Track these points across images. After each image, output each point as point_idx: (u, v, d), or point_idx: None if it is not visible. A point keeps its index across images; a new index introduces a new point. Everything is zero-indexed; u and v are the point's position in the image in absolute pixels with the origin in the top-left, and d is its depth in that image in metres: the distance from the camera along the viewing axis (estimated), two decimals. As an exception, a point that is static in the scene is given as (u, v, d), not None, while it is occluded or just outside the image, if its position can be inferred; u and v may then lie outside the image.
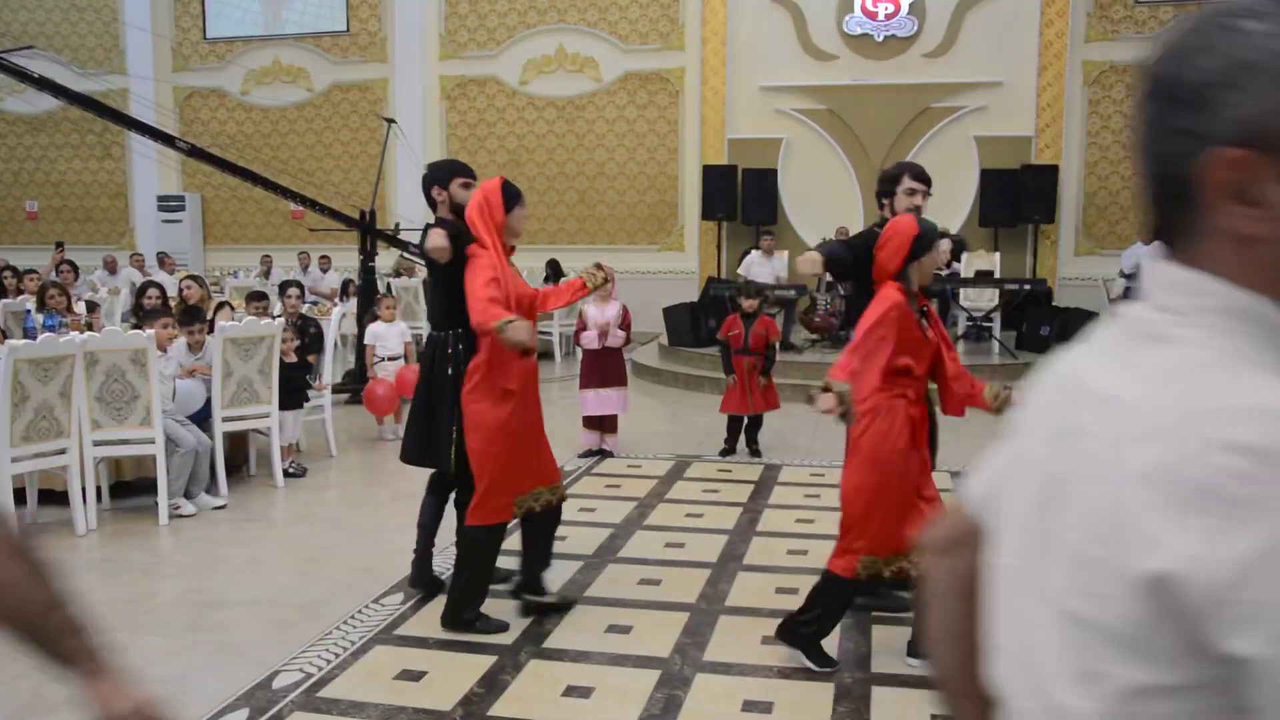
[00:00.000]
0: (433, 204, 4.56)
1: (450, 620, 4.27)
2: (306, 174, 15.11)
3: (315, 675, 3.86)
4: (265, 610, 4.56)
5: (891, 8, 14.28)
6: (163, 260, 14.29)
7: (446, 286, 4.32)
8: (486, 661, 3.98)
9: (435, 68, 15.91)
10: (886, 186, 4.65)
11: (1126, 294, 7.69)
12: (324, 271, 14.97)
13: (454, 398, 4.25)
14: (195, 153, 9.27)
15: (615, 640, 4.22)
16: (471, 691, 3.72)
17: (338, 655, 4.04)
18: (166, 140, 9.41)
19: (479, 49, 15.77)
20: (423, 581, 4.75)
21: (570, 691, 3.75)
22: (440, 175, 4.55)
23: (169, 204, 16.95)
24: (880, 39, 14.34)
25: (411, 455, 4.67)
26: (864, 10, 14.32)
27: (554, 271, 13.03)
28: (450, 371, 4.33)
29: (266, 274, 14.87)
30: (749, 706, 3.64)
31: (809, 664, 3.87)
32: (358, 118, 16.31)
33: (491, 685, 3.78)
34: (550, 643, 4.19)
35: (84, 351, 5.58)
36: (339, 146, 16.40)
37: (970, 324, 11.97)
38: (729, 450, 7.74)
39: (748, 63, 14.71)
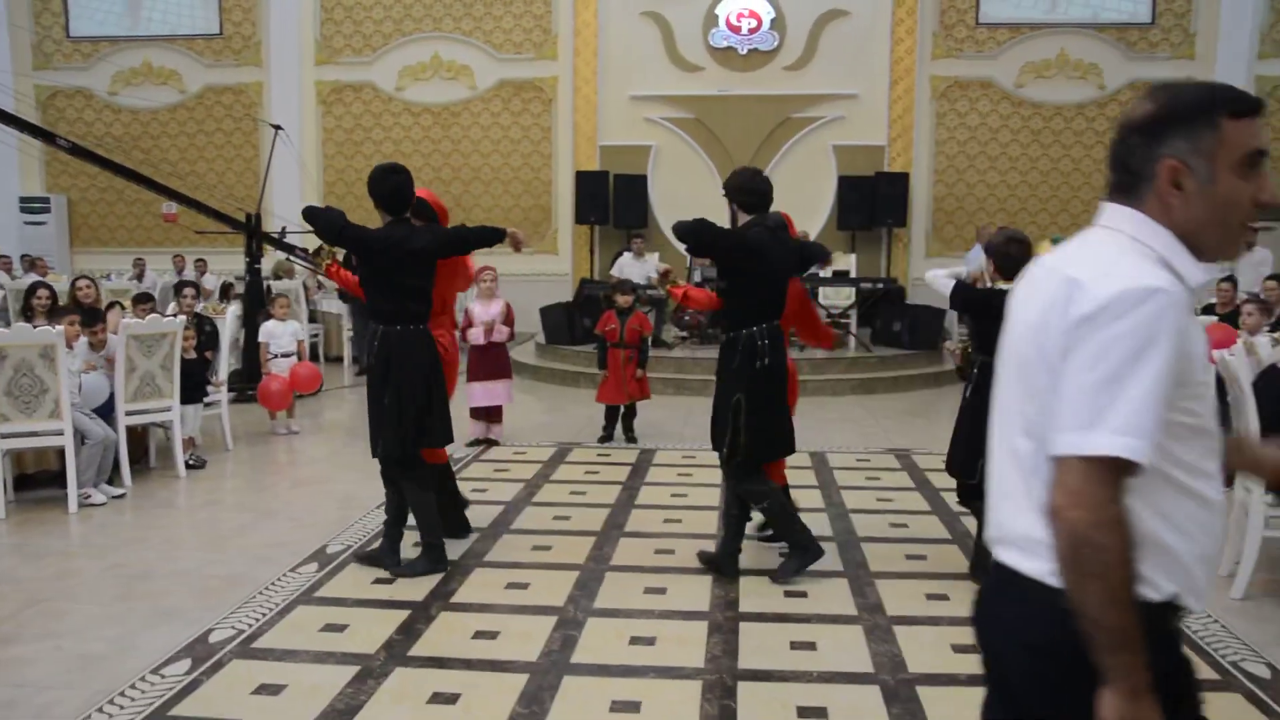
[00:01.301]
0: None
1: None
2: (179, 176, 15.04)
3: (247, 631, 4.29)
4: (190, 580, 4.95)
5: (754, 23, 15.11)
6: (34, 263, 14.13)
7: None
8: (401, 615, 4.48)
9: (311, 73, 16.08)
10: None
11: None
12: (200, 275, 14.98)
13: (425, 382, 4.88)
14: (77, 151, 9.34)
15: (515, 594, 4.77)
16: (391, 638, 4.21)
17: (265, 614, 4.48)
18: (47, 138, 9.48)
19: (355, 55, 16.01)
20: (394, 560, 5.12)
21: (479, 635, 4.28)
22: None
23: (33, 205, 16.67)
24: (744, 52, 15.16)
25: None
26: (728, 25, 15.12)
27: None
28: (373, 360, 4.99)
29: (139, 277, 14.83)
30: (635, 641, 4.22)
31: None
32: (231, 121, 16.36)
33: (408, 632, 4.28)
34: (456, 599, 4.70)
35: (-6, 347, 5.83)
36: (213, 150, 16.40)
37: (828, 320, 12.81)
38: (607, 437, 8.33)
39: (618, 73, 15.36)
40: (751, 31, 15.13)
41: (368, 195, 5.12)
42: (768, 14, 15.05)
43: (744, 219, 4.99)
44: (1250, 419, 4.71)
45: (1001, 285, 4.62)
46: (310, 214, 5.02)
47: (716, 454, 5.05)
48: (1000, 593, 1.70)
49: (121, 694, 3.70)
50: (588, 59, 15.37)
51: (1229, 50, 14.58)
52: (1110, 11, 15.01)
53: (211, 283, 14.00)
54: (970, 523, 5.41)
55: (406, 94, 16.00)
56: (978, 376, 4.66)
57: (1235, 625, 4.42)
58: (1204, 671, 3.94)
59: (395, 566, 4.99)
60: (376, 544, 5.28)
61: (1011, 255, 4.64)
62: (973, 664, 3.83)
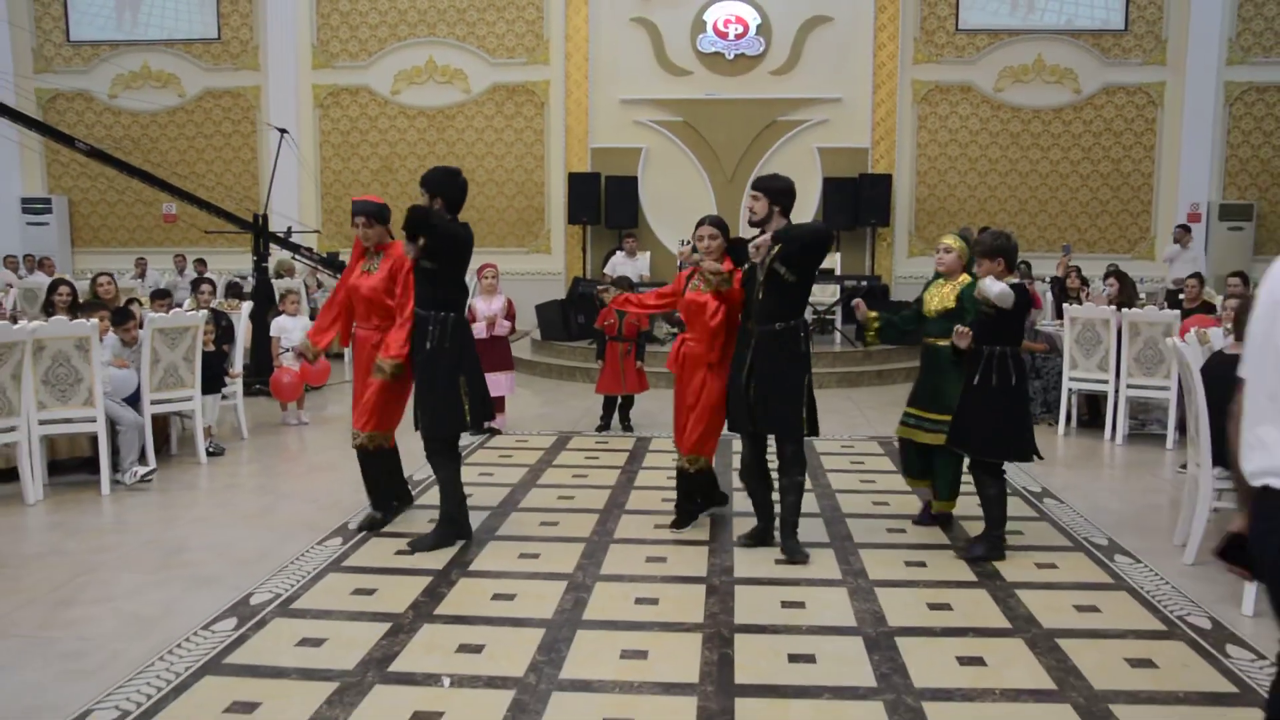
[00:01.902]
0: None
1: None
2: (179, 178, 15.40)
3: (284, 594, 4.69)
4: (224, 553, 5.34)
5: (741, 29, 15.56)
6: (41, 263, 14.46)
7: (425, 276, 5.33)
8: (424, 580, 4.88)
9: (308, 76, 16.45)
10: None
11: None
12: (199, 274, 15.32)
13: (450, 366, 5.24)
14: (95, 154, 9.71)
15: (527, 562, 5.18)
16: (417, 600, 4.62)
17: (299, 580, 4.88)
18: (66, 141, 9.84)
19: (351, 59, 16.39)
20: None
21: (497, 597, 4.69)
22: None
23: (34, 206, 16.98)
24: (731, 57, 15.60)
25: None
26: (715, 30, 15.57)
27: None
28: (446, 345, 5.25)
29: (142, 275, 15.18)
30: (640, 601, 4.64)
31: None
32: (230, 124, 16.72)
33: (432, 595, 4.69)
34: (474, 567, 5.11)
35: (33, 339, 6.21)
36: (211, 152, 16.74)
37: (814, 317, 13.29)
38: (604, 426, 8.74)
39: (609, 77, 15.78)
40: (738, 37, 15.58)
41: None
42: (754, 20, 15.50)
43: (780, 221, 5.32)
44: (1200, 402, 5.15)
45: (1011, 280, 5.14)
46: (422, 210, 5.15)
47: (785, 436, 5.33)
48: (1272, 513, 2.17)
49: (178, 646, 4.09)
50: (579, 63, 15.79)
51: (1199, 56, 15.11)
52: (1085, 18, 15.51)
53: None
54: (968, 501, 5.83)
55: (402, 97, 16.39)
56: (985, 365, 5.15)
57: (1184, 586, 4.87)
58: (1152, 624, 4.39)
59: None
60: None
61: (1011, 248, 5.23)
62: (946, 619, 4.33)
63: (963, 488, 5.70)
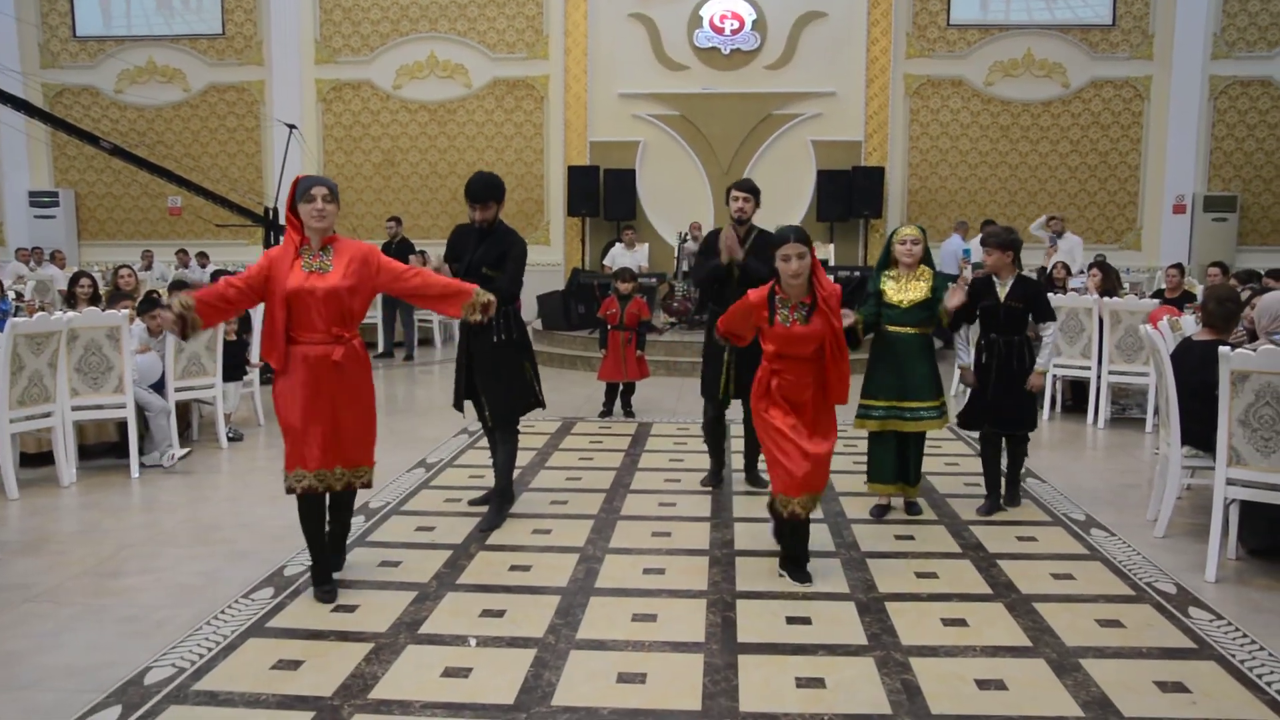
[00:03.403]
0: None
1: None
2: (185, 172, 15.74)
3: (316, 566, 5.03)
4: (256, 530, 5.68)
5: (736, 24, 15.90)
6: (53, 255, 14.75)
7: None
8: (445, 554, 5.22)
9: (311, 71, 16.75)
10: (727, 196, 6.32)
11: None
12: (202, 267, 15.64)
13: (517, 350, 5.75)
14: (118, 152, 10.03)
15: (540, 537, 5.53)
16: (439, 571, 4.96)
17: (328, 553, 5.21)
18: (91, 139, 10.14)
19: (353, 54, 16.68)
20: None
21: (514, 568, 5.03)
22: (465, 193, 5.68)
23: (42, 200, 17.27)
24: (727, 52, 15.94)
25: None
26: (712, 26, 15.90)
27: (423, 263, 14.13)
28: (503, 338, 5.66)
29: (148, 268, 15.49)
30: (648, 571, 4.99)
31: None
32: (235, 118, 17.01)
33: (453, 567, 5.03)
34: (491, 542, 5.45)
35: (68, 329, 6.53)
36: (216, 145, 17.04)
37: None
38: (607, 412, 9.09)
39: (607, 71, 16.11)
40: (734, 32, 15.91)
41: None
42: (749, 15, 15.84)
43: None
44: (1170, 386, 5.49)
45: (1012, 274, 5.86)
46: (507, 291, 5.50)
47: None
48: None
49: (222, 612, 4.43)
50: (578, 58, 16.11)
51: (1184, 51, 15.48)
52: (1073, 13, 15.85)
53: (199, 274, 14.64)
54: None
55: (404, 92, 16.69)
56: (1016, 351, 5.83)
57: (1154, 557, 5.22)
58: (1122, 589, 4.75)
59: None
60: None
61: (1019, 243, 5.92)
62: (932, 585, 4.70)
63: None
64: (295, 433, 4.44)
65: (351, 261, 4.49)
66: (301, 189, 4.44)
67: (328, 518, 4.72)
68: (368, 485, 4.73)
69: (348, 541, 5.07)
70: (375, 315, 13.20)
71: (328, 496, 4.64)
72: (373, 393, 4.70)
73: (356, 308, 4.53)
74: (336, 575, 4.82)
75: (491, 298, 4.63)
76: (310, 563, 4.73)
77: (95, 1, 17.16)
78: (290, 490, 4.50)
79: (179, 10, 17.09)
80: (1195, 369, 5.31)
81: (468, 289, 4.62)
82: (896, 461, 5.90)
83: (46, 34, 17.22)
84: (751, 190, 6.22)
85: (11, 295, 9.74)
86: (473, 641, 4.13)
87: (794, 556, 4.87)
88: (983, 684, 3.75)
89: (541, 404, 5.96)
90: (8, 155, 17.14)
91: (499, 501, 5.83)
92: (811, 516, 4.86)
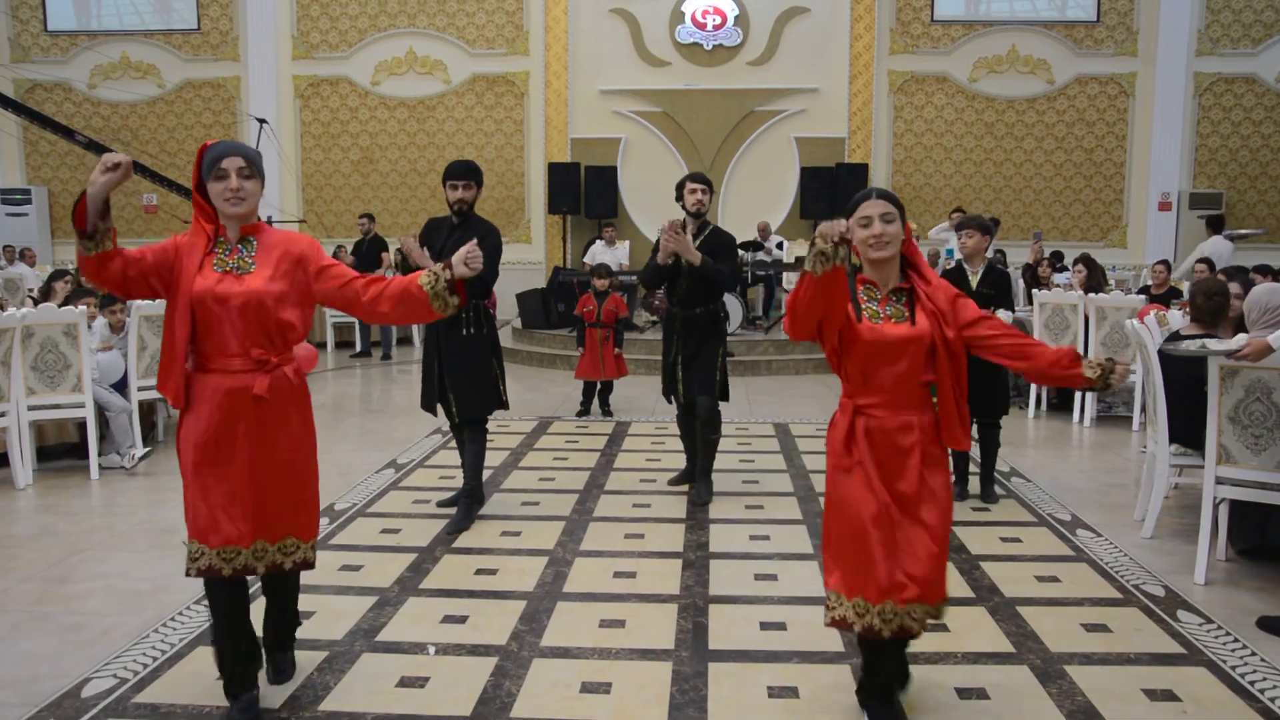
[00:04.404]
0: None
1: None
2: (160, 169, 15.51)
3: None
4: (214, 532, 5.47)
5: (719, 19, 15.72)
6: (22, 254, 14.49)
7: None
8: (409, 557, 5.04)
9: (288, 67, 16.49)
10: (678, 191, 6.08)
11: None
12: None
13: (487, 346, 5.54)
14: (93, 146, 9.79)
15: (509, 540, 5.34)
16: (402, 575, 4.78)
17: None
18: (66, 133, 9.90)
19: (331, 50, 16.44)
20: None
21: (480, 571, 4.85)
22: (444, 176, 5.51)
23: (13, 197, 16.97)
24: (709, 48, 15.76)
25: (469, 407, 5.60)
26: (694, 21, 15.71)
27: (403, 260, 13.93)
28: (472, 332, 5.49)
29: (123, 266, 15.21)
30: (619, 575, 4.81)
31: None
32: (210, 114, 16.75)
33: (417, 570, 4.85)
34: (457, 545, 5.26)
35: (22, 325, 6.32)
36: (192, 142, 16.75)
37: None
38: (584, 411, 8.90)
39: (588, 67, 15.91)
40: (716, 28, 15.73)
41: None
42: (732, 11, 15.65)
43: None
44: (1157, 381, 5.34)
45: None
46: (484, 274, 5.18)
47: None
48: None
49: (171, 619, 4.24)
50: (558, 54, 15.90)
51: (1169, 47, 15.37)
52: (1058, 10, 15.74)
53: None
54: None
55: (382, 88, 16.46)
56: None
57: (1141, 558, 5.07)
58: (1109, 592, 4.59)
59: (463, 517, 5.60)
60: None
61: (993, 227, 6.09)
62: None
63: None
64: (193, 493, 3.32)
65: (282, 260, 3.33)
66: (208, 162, 3.29)
67: (264, 605, 3.67)
68: (307, 566, 3.52)
69: (294, 638, 3.80)
70: (351, 314, 13.00)
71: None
72: (313, 437, 3.50)
73: (288, 321, 3.31)
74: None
75: (453, 273, 3.35)
76: (221, 666, 3.40)
77: (69, -4, 16.88)
78: (188, 571, 3.32)
79: (154, 5, 16.83)
80: (1183, 364, 5.16)
81: (420, 278, 3.38)
82: None
83: (17, 28, 16.92)
84: (707, 182, 6.03)
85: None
86: (432, 650, 3.95)
87: (875, 686, 3.35)
88: (963, 692, 3.58)
89: (504, 404, 5.73)
90: (-23, 152, 16.85)
91: (467, 503, 5.65)
92: (791, 518, 4.65)
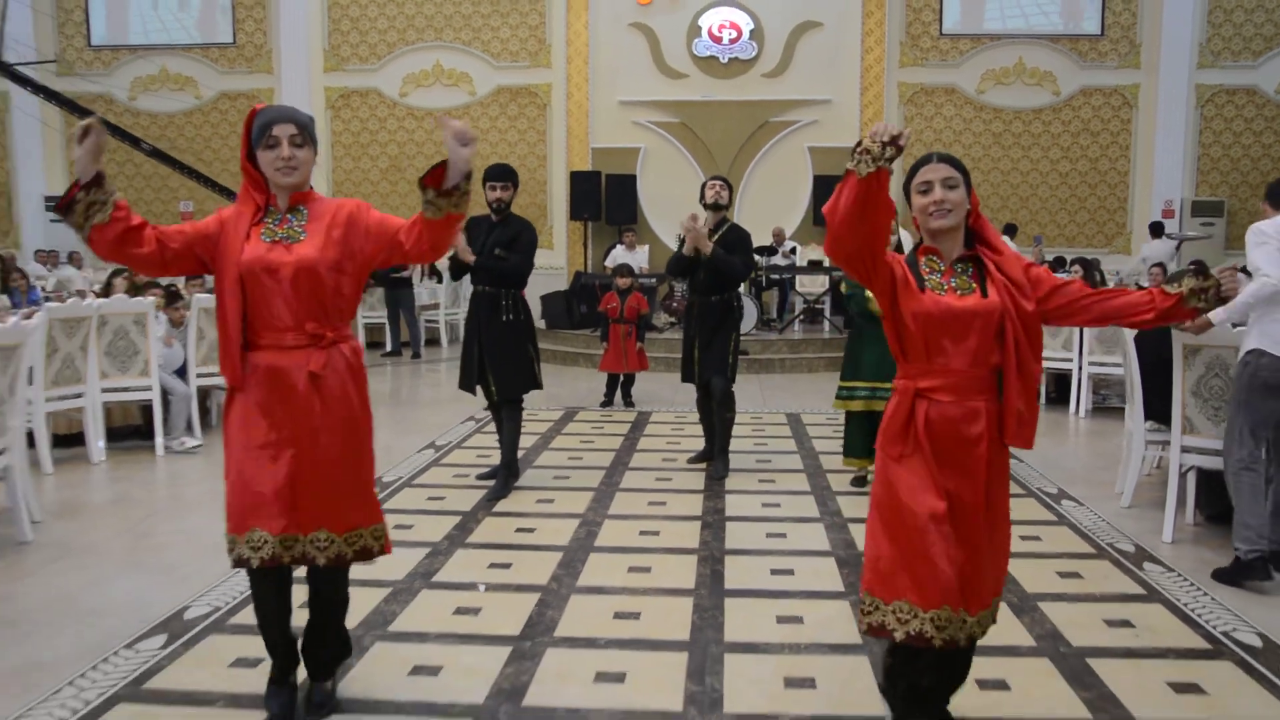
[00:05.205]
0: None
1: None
2: (198, 176, 16.19)
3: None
4: (277, 499, 6.05)
5: (734, 33, 16.31)
6: (71, 256, 15.16)
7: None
8: (454, 519, 5.60)
9: (320, 79, 17.17)
10: (701, 191, 6.85)
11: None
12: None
13: (524, 331, 6.09)
14: (156, 154, 10.41)
15: (543, 505, 5.91)
16: (450, 532, 5.34)
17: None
18: (133, 141, 10.52)
19: (361, 63, 17.11)
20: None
21: (519, 530, 5.42)
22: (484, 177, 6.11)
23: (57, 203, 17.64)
24: (725, 60, 16.36)
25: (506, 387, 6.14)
26: (710, 35, 16.32)
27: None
28: (511, 318, 6.07)
29: (162, 270, 15.88)
30: (644, 533, 5.36)
31: None
32: (245, 124, 17.41)
33: (463, 529, 5.42)
34: (497, 509, 5.83)
35: (98, 314, 6.92)
36: (228, 151, 17.43)
37: (805, 306, 14.04)
38: (608, 402, 9.47)
39: (608, 79, 16.53)
40: (732, 41, 16.34)
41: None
42: (747, 25, 16.25)
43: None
44: (1133, 365, 5.86)
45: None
46: (519, 266, 6.12)
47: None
48: None
49: (250, 565, 4.80)
50: (580, 67, 16.53)
51: (1171, 60, 15.89)
52: (1063, 23, 16.27)
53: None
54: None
55: (410, 99, 17.11)
56: None
57: (1118, 522, 5.59)
58: (1084, 548, 5.11)
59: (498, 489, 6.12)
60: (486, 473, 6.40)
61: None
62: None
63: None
64: (241, 479, 3.11)
65: (333, 226, 3.14)
66: (258, 129, 3.12)
67: (306, 605, 3.36)
68: (380, 552, 3.40)
69: (336, 668, 3.49)
70: (382, 313, 13.63)
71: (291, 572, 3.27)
72: (370, 422, 3.39)
73: (344, 292, 3.17)
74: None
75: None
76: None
77: (111, 12, 17.58)
78: (240, 563, 3.13)
79: (194, 21, 17.52)
80: (1155, 348, 5.68)
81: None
82: (869, 438, 6.27)
83: (63, 42, 17.65)
84: (726, 181, 6.79)
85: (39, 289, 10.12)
86: (482, 587, 4.50)
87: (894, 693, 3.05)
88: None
89: (539, 385, 6.32)
90: (24, 160, 17.54)
91: (505, 474, 6.21)
92: (800, 489, 5.15)
